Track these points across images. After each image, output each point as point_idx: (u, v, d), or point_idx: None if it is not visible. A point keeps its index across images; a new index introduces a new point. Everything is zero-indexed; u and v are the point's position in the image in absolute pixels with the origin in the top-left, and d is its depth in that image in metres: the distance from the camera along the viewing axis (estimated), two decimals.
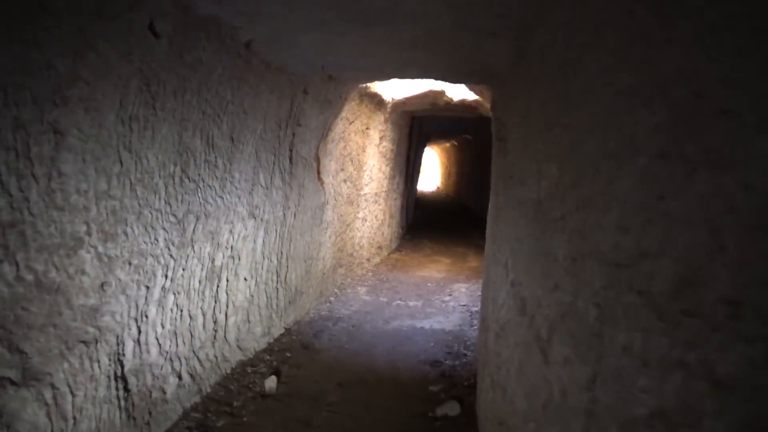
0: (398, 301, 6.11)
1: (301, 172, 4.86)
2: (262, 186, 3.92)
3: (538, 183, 2.05)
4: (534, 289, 1.98)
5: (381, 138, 7.56)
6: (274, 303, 4.62)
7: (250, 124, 3.55)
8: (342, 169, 6.21)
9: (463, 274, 7.86)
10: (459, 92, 6.92)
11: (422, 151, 14.67)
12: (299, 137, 4.66)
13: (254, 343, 4.24)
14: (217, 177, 3.20)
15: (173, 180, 2.69)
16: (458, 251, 9.75)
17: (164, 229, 2.67)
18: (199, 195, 3.00)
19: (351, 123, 6.20)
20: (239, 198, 3.57)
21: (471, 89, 5.82)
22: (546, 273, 1.78)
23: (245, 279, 3.98)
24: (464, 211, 16.12)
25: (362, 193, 7.07)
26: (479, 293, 6.33)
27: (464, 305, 6.00)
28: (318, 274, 5.72)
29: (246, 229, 3.80)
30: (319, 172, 5.45)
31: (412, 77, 4.68)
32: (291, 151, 4.49)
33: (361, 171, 6.86)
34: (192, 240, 3.01)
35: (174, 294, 2.95)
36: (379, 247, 8.41)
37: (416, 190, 14.46)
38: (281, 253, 4.66)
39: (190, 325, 3.22)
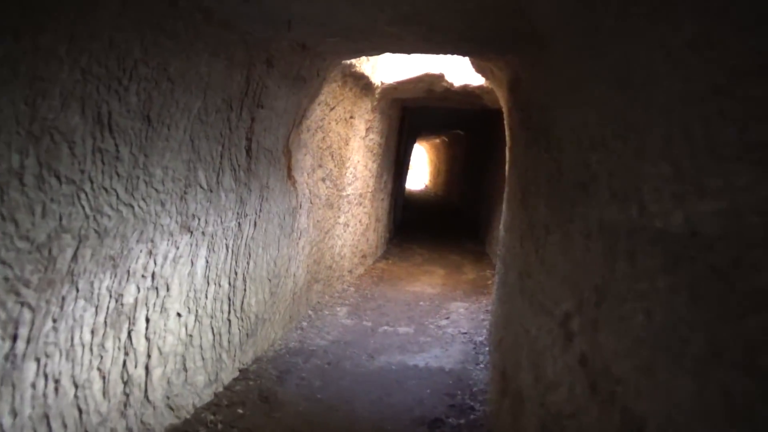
0: (385, 327, 5.09)
1: (265, 169, 3.81)
2: (202, 188, 2.86)
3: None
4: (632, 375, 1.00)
5: (368, 129, 6.52)
6: (225, 340, 3.56)
7: (181, 99, 2.49)
8: (320, 166, 5.17)
9: (460, 288, 6.86)
10: (461, 76, 5.91)
11: (412, 147, 13.67)
12: (261, 123, 3.61)
13: (194, 398, 3.18)
14: (119, 175, 2.13)
15: (19, 180, 1.62)
16: (452, 260, 8.76)
17: (1, 263, 1.61)
18: (83, 203, 1.94)
19: (332, 109, 5.15)
20: (164, 205, 2.51)
21: (478, 70, 4.81)
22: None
23: (179, 315, 2.92)
24: (455, 212, 15.17)
25: (344, 194, 6.03)
26: (482, 317, 5.35)
27: (465, 333, 5.00)
28: (287, 296, 4.67)
29: (177, 248, 2.74)
30: (289, 169, 4.40)
31: (412, 47, 3.64)
32: (249, 140, 3.44)
33: (343, 168, 5.82)
34: (72, 273, 1.95)
35: (38, 360, 1.89)
36: (364, 256, 7.38)
37: (405, 189, 13.44)
38: (235, 274, 3.60)
39: (77, 397, 2.15)
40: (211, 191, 2.96)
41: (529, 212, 2.64)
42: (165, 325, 2.81)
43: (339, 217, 5.98)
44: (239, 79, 3.08)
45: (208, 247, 3.08)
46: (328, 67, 4.37)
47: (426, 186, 23.54)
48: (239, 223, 3.48)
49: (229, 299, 3.56)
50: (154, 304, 2.66)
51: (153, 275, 2.57)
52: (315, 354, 4.30)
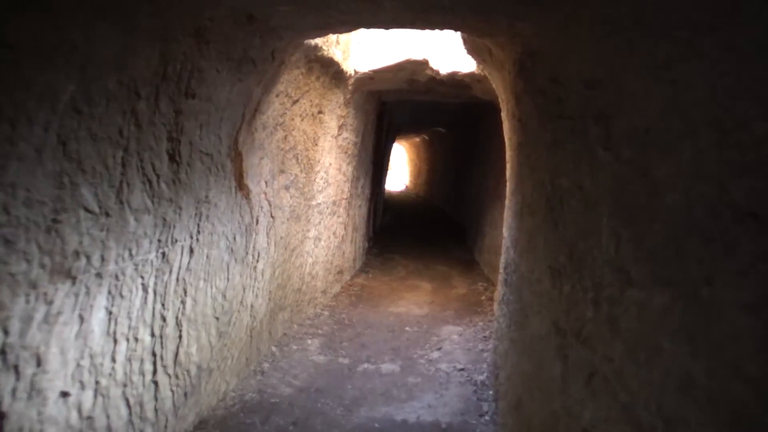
0: (366, 364, 4.25)
1: (202, 179, 2.94)
2: (89, 211, 1.98)
3: None
4: None
5: (340, 127, 5.68)
6: (150, 408, 2.68)
7: (35, 80, 1.62)
8: (282, 171, 4.30)
9: (451, 307, 6.06)
10: (448, 62, 5.10)
11: (392, 146, 12.86)
12: (193, 119, 2.73)
13: None
14: None
15: None
16: (439, 271, 7.96)
17: None
18: None
19: (295, 103, 4.29)
20: (10, 245, 1.63)
21: (472, 50, 4.01)
22: None
23: (64, 395, 2.04)
24: (438, 215, 14.40)
25: (314, 203, 5.17)
26: (480, 346, 4.56)
27: (462, 369, 4.19)
28: (242, 334, 3.80)
29: (49, 304, 1.86)
30: (240, 177, 3.53)
31: (392, 18, 2.80)
32: (173, 141, 2.56)
33: (311, 173, 4.96)
34: None
35: None
36: (340, 272, 6.52)
37: (385, 192, 12.62)
38: (163, 319, 2.72)
39: None
40: (107, 215, 2.08)
41: (570, 238, 1.83)
42: (39, 414, 1.92)
43: (308, 230, 5.12)
44: (150, 56, 2.20)
45: (110, 293, 2.20)
46: (287, 49, 3.52)
47: (407, 187, 22.76)
48: (164, 254, 2.60)
49: (154, 355, 2.68)
50: (14, 389, 1.78)
51: (2, 351, 1.69)
52: (277, 409, 3.44)
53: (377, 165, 9.04)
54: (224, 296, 3.47)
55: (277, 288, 4.51)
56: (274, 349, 4.35)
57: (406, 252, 9.16)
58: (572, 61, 1.90)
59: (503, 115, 4.51)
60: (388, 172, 13.21)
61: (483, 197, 8.84)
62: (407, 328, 5.19)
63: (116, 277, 2.23)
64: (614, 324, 1.35)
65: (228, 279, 3.50)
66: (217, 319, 3.41)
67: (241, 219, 3.58)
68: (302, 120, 4.51)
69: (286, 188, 4.46)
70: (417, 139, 18.96)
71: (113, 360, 2.33)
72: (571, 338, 1.69)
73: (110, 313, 2.23)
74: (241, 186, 3.55)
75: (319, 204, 5.35)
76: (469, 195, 10.99)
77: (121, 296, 2.30)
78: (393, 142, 13.35)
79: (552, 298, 2.00)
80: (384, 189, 12.41)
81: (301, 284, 5.07)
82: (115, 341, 2.32)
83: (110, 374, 2.32)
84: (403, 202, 17.45)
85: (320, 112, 4.89)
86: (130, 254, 2.30)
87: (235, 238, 3.52)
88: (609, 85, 1.53)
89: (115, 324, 2.29)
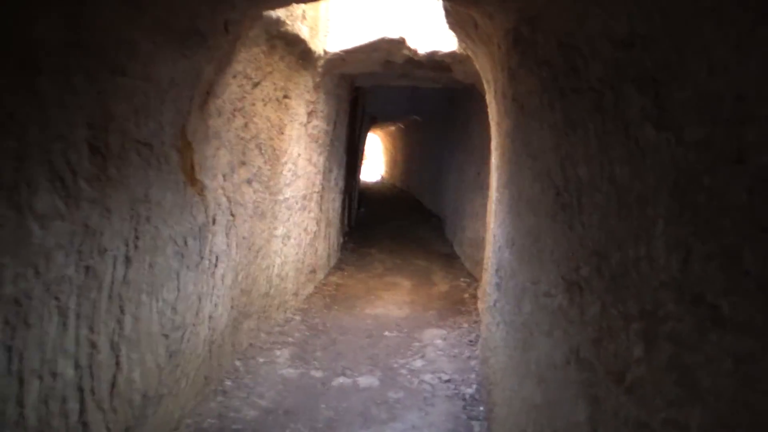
0: (341, 378, 3.83)
1: (140, 174, 2.46)
2: None
3: None
4: None
5: (310, 114, 5.21)
6: None
7: None
8: (243, 164, 3.83)
9: (433, 307, 5.68)
10: (427, 40, 4.67)
11: (366, 135, 12.41)
12: (124, 102, 2.26)
13: None
14: None
15: None
16: (418, 266, 7.58)
17: None
18: None
19: (256, 85, 3.81)
20: None
21: (456, 23, 3.60)
22: None
23: None
24: (415, 206, 14.03)
25: (281, 198, 4.70)
26: (466, 353, 4.21)
27: (448, 380, 3.81)
28: (198, 350, 3.34)
29: None
30: (192, 171, 3.06)
31: None
32: (97, 129, 2.08)
33: (277, 164, 4.49)
34: None
35: None
36: (312, 271, 6.08)
37: (360, 183, 12.17)
38: (92, 346, 2.26)
39: None
40: None
41: (596, 244, 1.44)
42: None
43: (276, 228, 4.66)
44: (52, 19, 1.72)
45: (6, 323, 1.73)
46: (243, 21, 3.04)
47: (382, 177, 22.33)
48: (87, 267, 2.12)
49: (81, 390, 2.21)
50: None
51: None
52: None
53: (351, 155, 8.59)
54: (174, 309, 3.00)
55: (241, 294, 4.05)
56: (237, 363, 3.89)
57: (383, 246, 8.75)
58: (594, 17, 1.49)
59: (489, 97, 4.12)
60: (364, 162, 12.76)
61: (462, 188, 8.48)
62: (386, 333, 4.79)
63: (16, 302, 1.75)
64: (688, 377, 0.95)
65: (179, 289, 3.03)
66: (167, 336, 2.95)
67: (194, 219, 3.11)
68: (265, 105, 4.04)
69: (249, 182, 3.99)
70: (392, 128, 18.52)
71: (20, 405, 1.86)
72: (606, 379, 1.30)
73: (9, 348, 1.75)
74: (192, 181, 3.08)
75: (287, 199, 4.88)
76: (447, 185, 10.63)
77: (27, 324, 1.83)
78: (368, 130, 12.89)
79: (570, 319, 1.61)
80: (359, 180, 11.97)
81: (268, 288, 4.62)
82: (21, 381, 1.85)
83: (17, 422, 1.86)
84: (380, 193, 17.03)
85: (286, 96, 4.41)
86: (36, 272, 1.82)
87: (186, 242, 3.05)
88: (660, 41, 1.13)
89: (20, 360, 1.82)
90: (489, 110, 4.41)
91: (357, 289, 6.29)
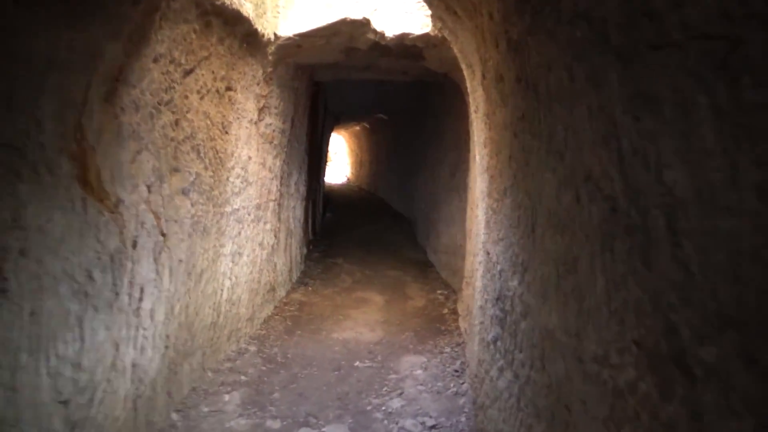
0: (304, 429, 3.16)
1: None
2: None
3: None
4: None
5: (262, 110, 4.51)
6: None
7: None
8: (176, 170, 3.11)
9: (409, 326, 5.07)
10: (395, 22, 4.06)
11: (329, 135, 11.73)
12: None
13: None
14: None
15: None
16: (390, 277, 6.95)
17: None
18: None
19: (188, 73, 3.10)
20: None
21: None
22: None
23: None
24: (383, 209, 13.42)
25: (229, 209, 4.00)
26: (452, 386, 3.62)
27: (434, 427, 3.18)
28: (116, 411, 2.62)
29: None
30: (97, 181, 2.34)
31: None
32: None
33: (222, 170, 3.78)
34: None
35: None
36: (271, 289, 5.38)
37: (324, 186, 11.47)
38: None
39: None
40: None
41: (699, 288, 0.83)
42: None
43: (223, 245, 3.95)
44: None
45: None
46: None
47: (348, 179, 21.64)
48: None
49: None
50: None
51: None
52: None
53: (313, 157, 7.89)
54: (77, 366, 2.28)
55: (179, 329, 3.33)
56: (175, 417, 3.17)
57: (351, 255, 8.09)
58: None
59: (473, 84, 3.54)
60: (328, 164, 12.07)
61: (435, 190, 7.90)
62: (357, 363, 4.14)
63: None
64: None
65: (83, 339, 2.31)
66: (66, 403, 2.23)
67: (102, 245, 2.39)
68: (202, 99, 3.33)
69: (185, 193, 3.27)
70: (357, 128, 17.87)
71: None
72: None
73: None
74: (98, 195, 2.36)
75: (237, 210, 4.17)
76: (417, 187, 10.05)
77: None
78: (331, 130, 12.21)
79: (655, 414, 1.00)
80: (323, 184, 11.27)
81: (216, 317, 3.90)
82: None
83: None
84: (345, 196, 16.33)
85: (230, 88, 3.71)
86: None
87: (91, 276, 2.33)
88: None
89: None
90: (472, 101, 3.82)
91: (323, 307, 5.61)
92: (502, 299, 2.32)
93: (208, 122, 3.46)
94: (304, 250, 7.34)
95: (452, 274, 6.61)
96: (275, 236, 5.39)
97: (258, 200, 4.68)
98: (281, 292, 5.80)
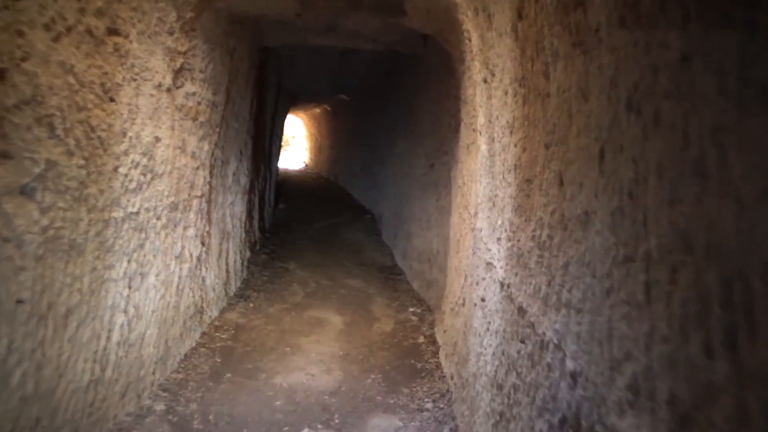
0: None
1: None
2: None
3: None
4: None
5: (179, 73, 3.25)
6: None
7: None
8: (5, 157, 1.87)
9: (376, 363, 3.96)
10: None
11: (284, 116, 10.42)
12: None
13: None
14: None
15: None
16: (351, 288, 5.82)
17: None
18: None
19: None
20: None
21: None
22: None
23: None
24: (344, 200, 12.24)
25: (120, 214, 2.75)
26: None
27: None
28: None
29: None
30: None
31: None
32: None
33: (105, 156, 2.53)
34: None
35: None
36: (197, 313, 4.16)
37: (277, 174, 10.17)
38: None
39: None
40: None
41: None
42: None
43: (111, 267, 2.71)
44: None
45: None
46: None
47: (306, 165, 20.27)
48: None
49: None
50: None
51: None
52: None
53: (260, 140, 6.63)
54: None
55: (24, 406, 2.11)
56: None
57: (305, 258, 6.90)
58: None
59: (485, 36, 2.42)
60: (282, 149, 10.77)
61: (406, 183, 6.79)
62: (306, 431, 3.00)
63: None
64: None
65: None
66: None
67: None
68: (57, 41, 2.07)
69: (27, 194, 2.03)
70: (317, 110, 16.53)
71: None
72: None
73: None
74: None
75: (136, 214, 2.93)
76: (383, 177, 8.91)
77: None
78: (286, 111, 10.89)
79: None
80: (276, 171, 9.97)
81: (99, 371, 2.68)
82: None
83: None
84: (303, 184, 15.02)
85: (115, 32, 2.45)
86: None
87: None
88: None
89: None
90: (478, 64, 2.70)
91: (265, 333, 4.43)
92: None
93: (73, 81, 2.20)
94: (247, 254, 6.10)
95: (426, 286, 5.54)
96: (203, 243, 4.15)
97: (173, 198, 3.43)
98: (212, 312, 4.58)
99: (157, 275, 3.33)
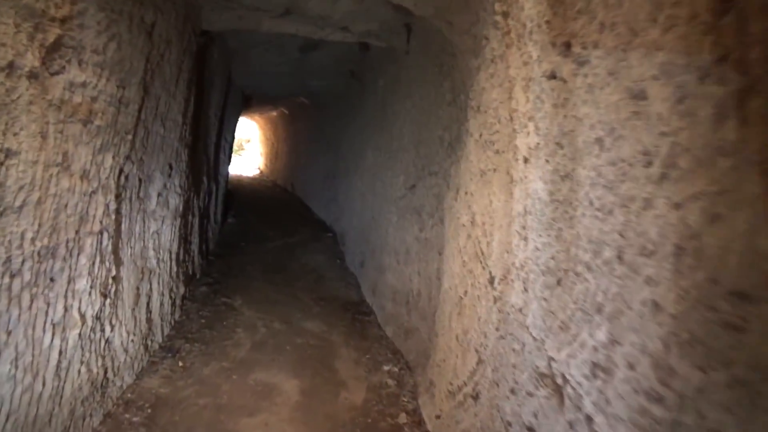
0: None
1: None
2: None
3: None
4: None
5: (53, 49, 2.13)
6: None
7: None
8: None
9: None
10: None
11: (235, 119, 9.23)
12: None
13: None
14: None
15: None
16: (310, 334, 4.73)
17: None
18: None
19: None
20: None
21: None
22: None
23: None
24: (302, 213, 11.11)
25: None
26: None
27: None
28: None
29: None
30: None
31: None
32: None
33: None
34: None
35: None
36: (97, 389, 2.99)
37: (226, 184, 8.94)
38: None
39: None
40: None
41: None
42: None
43: None
44: None
45: None
46: None
47: (261, 172, 18.96)
48: None
49: None
50: None
51: None
52: None
53: (200, 148, 5.47)
54: None
55: None
56: None
57: (254, 289, 5.77)
58: None
59: None
60: (232, 155, 9.55)
61: (379, 204, 5.77)
62: None
63: None
64: None
65: None
66: None
67: None
68: None
69: None
70: (274, 113, 15.32)
71: None
72: None
73: None
74: None
75: None
76: (349, 193, 7.86)
77: None
78: (238, 113, 9.68)
79: None
80: (225, 182, 8.76)
81: None
82: None
83: None
84: (256, 194, 13.75)
85: None
86: None
87: None
88: None
89: None
90: (514, 54, 1.72)
91: (195, 411, 3.30)
92: None
93: None
94: (181, 290, 4.92)
95: (403, 335, 4.53)
96: (104, 295, 2.99)
97: (45, 241, 2.29)
98: (124, 380, 3.41)
99: (15, 360, 2.17)
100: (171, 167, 3.96)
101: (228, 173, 9.37)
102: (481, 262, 2.44)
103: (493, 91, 2.18)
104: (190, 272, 5.39)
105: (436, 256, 3.91)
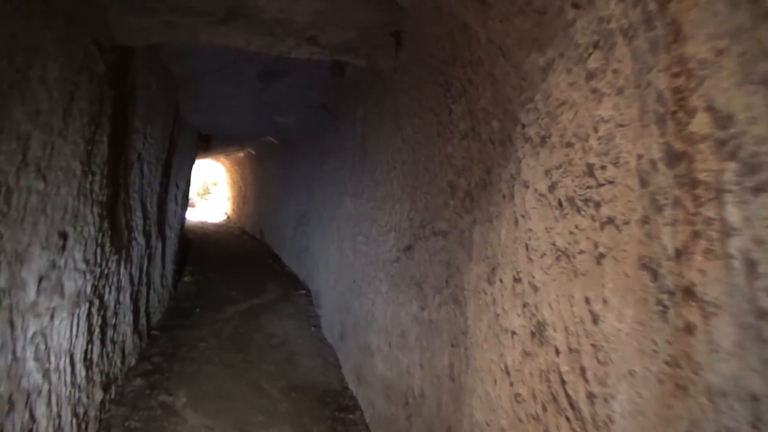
0: None
1: None
2: None
3: None
4: None
5: None
6: None
7: None
8: None
9: None
10: None
11: (191, 160, 8.05)
12: None
13: None
14: None
15: None
16: None
17: None
18: None
19: None
20: None
21: None
22: None
23: None
24: (270, 266, 9.88)
25: None
26: None
27: None
28: None
29: None
30: None
31: None
32: None
33: None
34: None
35: None
36: None
37: (178, 237, 7.66)
38: None
39: None
40: None
41: None
42: None
43: None
44: None
45: None
46: None
47: (228, 217, 17.67)
48: None
49: None
50: None
51: None
52: None
53: (120, 204, 4.29)
54: None
55: None
56: None
57: (206, 378, 4.51)
58: None
59: None
60: (187, 204, 8.33)
61: (362, 264, 4.62)
62: None
63: None
64: None
65: None
66: None
67: None
68: None
69: None
70: (240, 154, 14.20)
71: None
72: None
73: None
74: None
75: None
76: (324, 244, 6.70)
77: None
78: (194, 154, 8.51)
79: None
80: (176, 235, 7.49)
81: None
82: None
83: None
84: (220, 243, 12.44)
85: None
86: None
87: None
88: None
89: None
90: None
91: None
92: None
93: None
94: (97, 396, 3.64)
95: None
96: None
97: None
98: None
99: None
100: (65, 236, 2.77)
101: (183, 224, 8.12)
102: (567, 418, 1.32)
103: (594, 103, 1.11)
104: (116, 366, 4.11)
105: (447, 347, 2.78)
